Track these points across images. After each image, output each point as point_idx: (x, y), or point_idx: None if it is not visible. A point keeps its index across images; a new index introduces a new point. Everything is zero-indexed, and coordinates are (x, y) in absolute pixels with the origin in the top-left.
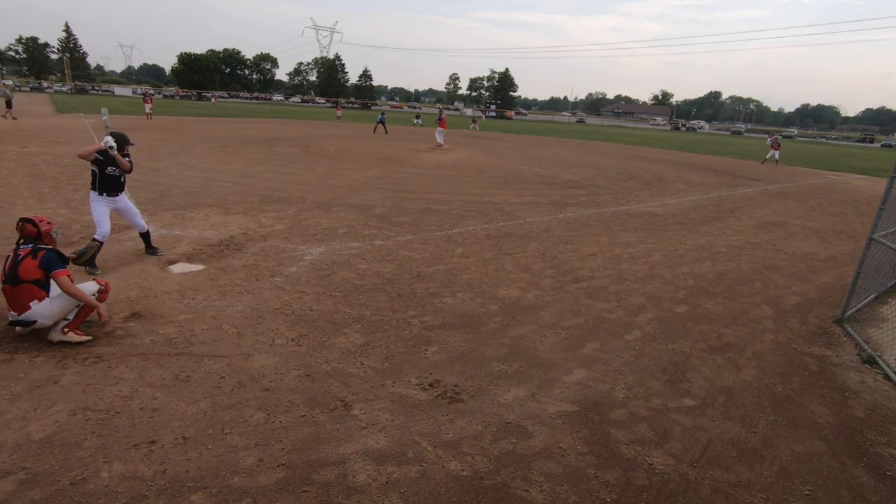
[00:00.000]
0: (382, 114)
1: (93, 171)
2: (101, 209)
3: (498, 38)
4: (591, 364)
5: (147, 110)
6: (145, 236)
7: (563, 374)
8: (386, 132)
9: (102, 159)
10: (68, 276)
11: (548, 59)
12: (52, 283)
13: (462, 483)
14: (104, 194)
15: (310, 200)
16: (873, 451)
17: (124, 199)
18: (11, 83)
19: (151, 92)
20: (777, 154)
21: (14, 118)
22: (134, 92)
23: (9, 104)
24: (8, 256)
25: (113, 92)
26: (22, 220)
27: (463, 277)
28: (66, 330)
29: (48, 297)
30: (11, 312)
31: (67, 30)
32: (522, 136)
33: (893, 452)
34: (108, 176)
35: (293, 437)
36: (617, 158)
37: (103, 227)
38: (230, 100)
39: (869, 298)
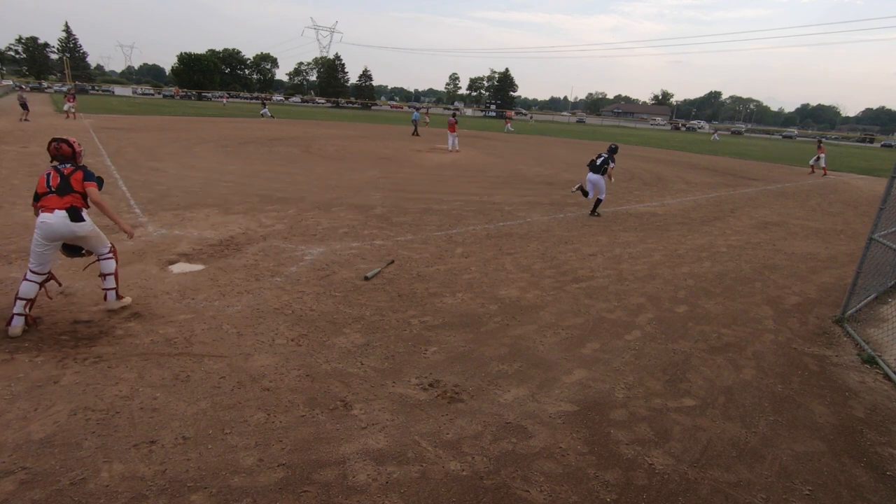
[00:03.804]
0: (417, 110)
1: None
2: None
3: (497, 37)
4: (591, 364)
5: (65, 108)
6: None
7: (563, 374)
8: (416, 133)
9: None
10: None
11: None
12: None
13: (462, 483)
14: None
15: (310, 200)
16: (873, 451)
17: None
18: (12, 83)
19: (73, 90)
20: (823, 160)
21: (27, 120)
22: (134, 92)
23: (24, 106)
24: (48, 174)
25: (113, 92)
26: (56, 139)
27: (463, 277)
28: (120, 296)
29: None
30: (67, 217)
31: (67, 30)
32: (523, 136)
33: (893, 452)
34: None
35: (293, 437)
36: (617, 158)
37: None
38: (230, 100)
39: (869, 298)
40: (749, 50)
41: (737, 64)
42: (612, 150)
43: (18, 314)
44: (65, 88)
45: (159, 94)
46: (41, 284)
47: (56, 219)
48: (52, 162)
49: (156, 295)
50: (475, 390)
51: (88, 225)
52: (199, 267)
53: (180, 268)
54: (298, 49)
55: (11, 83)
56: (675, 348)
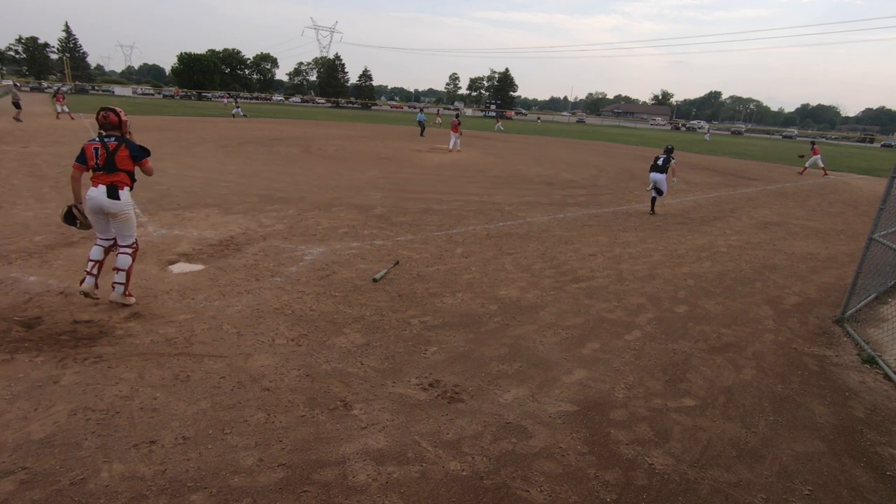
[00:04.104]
0: (421, 111)
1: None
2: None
3: (497, 37)
4: (591, 364)
5: (59, 110)
6: None
7: (563, 374)
8: (421, 134)
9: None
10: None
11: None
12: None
13: (462, 483)
14: None
15: (310, 200)
16: (873, 451)
17: None
18: (11, 83)
19: (64, 89)
20: (820, 160)
21: (20, 120)
22: (134, 92)
23: (17, 105)
24: (95, 148)
25: (113, 92)
26: (104, 109)
27: (463, 277)
28: (127, 294)
29: (130, 188)
30: (104, 192)
31: (67, 30)
32: (522, 136)
33: (893, 452)
34: None
35: (293, 437)
36: (617, 158)
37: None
38: (230, 100)
39: (869, 298)
40: (749, 50)
41: (737, 64)
42: (670, 151)
43: (89, 273)
44: (55, 88)
45: (159, 94)
46: (107, 250)
47: (98, 193)
48: (99, 130)
49: (156, 295)
50: (475, 390)
51: (122, 204)
52: (199, 267)
53: (180, 268)
54: (298, 49)
55: (11, 83)
56: (675, 348)
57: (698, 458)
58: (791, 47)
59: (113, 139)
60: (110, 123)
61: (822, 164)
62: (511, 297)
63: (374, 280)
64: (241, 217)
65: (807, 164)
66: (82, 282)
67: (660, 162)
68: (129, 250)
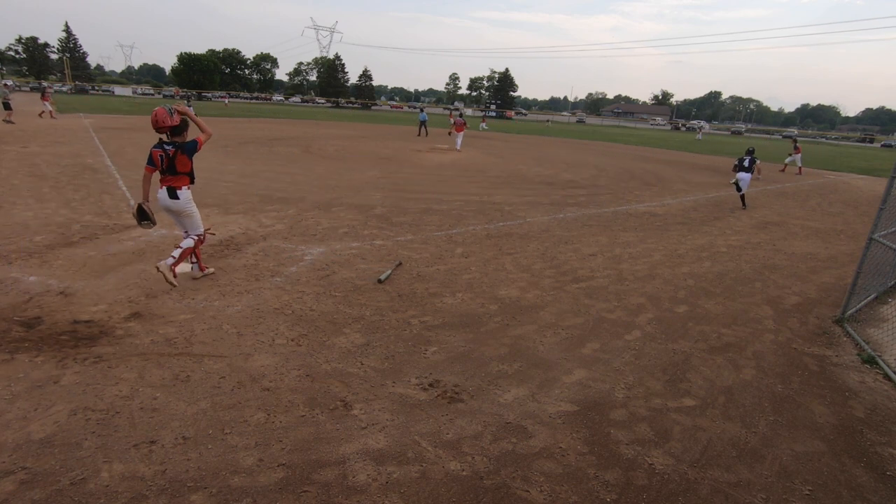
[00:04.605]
0: (422, 110)
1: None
2: None
3: (497, 37)
4: (591, 364)
5: (44, 108)
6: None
7: (563, 374)
8: (426, 134)
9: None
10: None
11: (548, 59)
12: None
13: (462, 483)
14: None
15: (310, 200)
16: (873, 451)
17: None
18: (11, 83)
19: (50, 87)
20: (798, 158)
21: (11, 122)
22: (134, 92)
23: (7, 106)
24: (160, 155)
25: (113, 92)
26: (164, 107)
27: (463, 277)
28: (172, 269)
29: (189, 187)
30: (167, 194)
31: (67, 30)
32: (522, 136)
33: (893, 452)
34: None
35: (293, 437)
36: (617, 158)
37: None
38: (231, 100)
39: (869, 298)
40: (749, 50)
41: (737, 64)
42: (752, 152)
43: (192, 264)
44: (42, 86)
45: (159, 94)
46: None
47: (162, 194)
48: (160, 137)
49: (156, 295)
50: (475, 390)
51: (181, 202)
52: None
53: (181, 268)
54: (298, 49)
55: (11, 83)
56: (675, 348)
57: (698, 458)
58: (791, 47)
59: (171, 146)
60: (164, 127)
61: (799, 164)
62: (511, 297)
63: (380, 281)
64: (241, 217)
65: (786, 161)
66: (192, 268)
67: (745, 163)
68: (196, 237)
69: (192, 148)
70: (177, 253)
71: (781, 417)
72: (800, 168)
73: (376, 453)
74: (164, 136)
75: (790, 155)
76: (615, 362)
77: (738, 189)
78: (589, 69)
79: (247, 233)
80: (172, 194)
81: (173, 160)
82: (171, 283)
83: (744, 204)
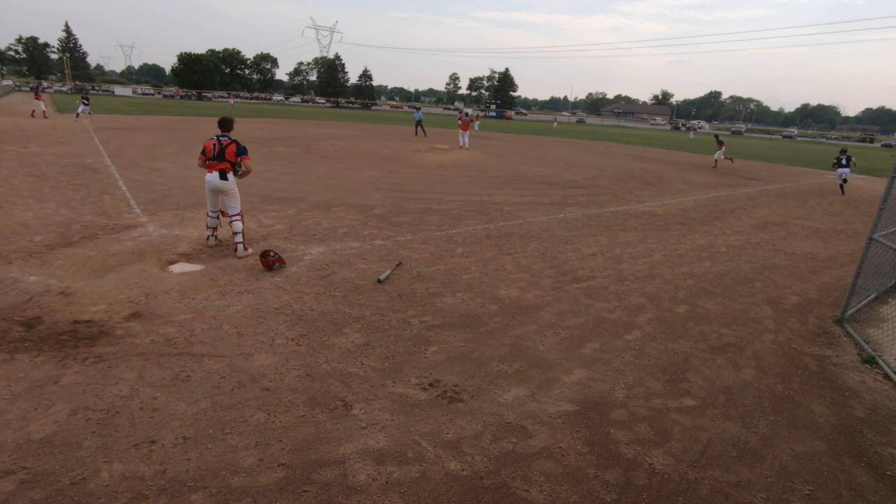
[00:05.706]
0: (418, 110)
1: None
2: None
3: (497, 37)
4: (591, 364)
5: (41, 107)
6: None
7: (563, 374)
8: (425, 134)
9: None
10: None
11: (548, 59)
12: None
13: (462, 483)
14: None
15: (310, 200)
16: (873, 451)
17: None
18: (11, 83)
19: (50, 86)
20: (721, 153)
21: None
22: (134, 92)
23: None
24: (214, 144)
25: (113, 92)
26: (225, 118)
27: (463, 277)
28: (246, 247)
29: (234, 173)
30: (217, 176)
31: (67, 30)
32: (522, 136)
33: (893, 452)
34: None
35: (293, 436)
36: (617, 158)
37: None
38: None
39: (869, 298)
40: (749, 50)
41: (737, 64)
42: (845, 151)
43: (211, 235)
44: (35, 85)
45: (159, 94)
46: (218, 216)
47: (213, 177)
48: (218, 131)
49: (156, 295)
50: (475, 390)
51: (230, 184)
52: (199, 267)
53: (180, 268)
54: (298, 49)
55: (11, 83)
56: (675, 348)
57: (698, 458)
58: (791, 47)
59: (227, 138)
60: (225, 125)
61: (723, 157)
62: (511, 297)
63: (379, 281)
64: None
65: (715, 156)
66: (207, 238)
67: (844, 161)
68: (238, 218)
69: (245, 149)
70: (240, 238)
71: (781, 417)
72: (716, 161)
73: (376, 453)
74: (219, 131)
75: (717, 150)
76: (615, 362)
77: (845, 181)
78: (589, 69)
79: (247, 233)
80: (223, 177)
81: (224, 149)
82: (252, 255)
83: (843, 192)
